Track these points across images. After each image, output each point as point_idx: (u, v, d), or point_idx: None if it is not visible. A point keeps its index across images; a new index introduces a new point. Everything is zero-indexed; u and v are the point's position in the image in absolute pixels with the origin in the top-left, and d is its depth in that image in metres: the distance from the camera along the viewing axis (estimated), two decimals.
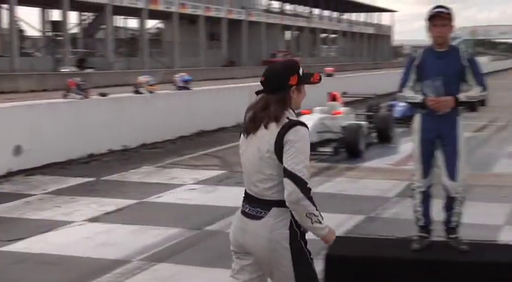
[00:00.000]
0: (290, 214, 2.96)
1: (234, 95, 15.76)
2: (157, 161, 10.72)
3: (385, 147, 12.29)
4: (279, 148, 2.92)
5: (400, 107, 15.02)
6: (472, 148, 9.84)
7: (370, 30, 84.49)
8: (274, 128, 2.95)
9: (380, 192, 8.23)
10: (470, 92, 4.87)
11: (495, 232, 6.26)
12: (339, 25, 77.14)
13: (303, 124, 2.96)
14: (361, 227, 6.65)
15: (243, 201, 3.09)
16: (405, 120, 14.23)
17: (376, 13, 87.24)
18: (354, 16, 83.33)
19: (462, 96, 4.83)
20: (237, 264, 3.14)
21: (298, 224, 2.96)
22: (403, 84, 4.96)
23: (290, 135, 2.91)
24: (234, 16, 55.20)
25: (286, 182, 2.88)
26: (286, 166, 2.89)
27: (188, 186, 8.67)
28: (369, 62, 70.86)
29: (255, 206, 3.01)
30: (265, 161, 2.97)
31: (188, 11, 49.73)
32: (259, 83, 3.05)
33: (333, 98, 12.55)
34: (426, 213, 5.02)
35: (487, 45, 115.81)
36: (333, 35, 78.06)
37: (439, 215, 5.06)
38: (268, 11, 65.67)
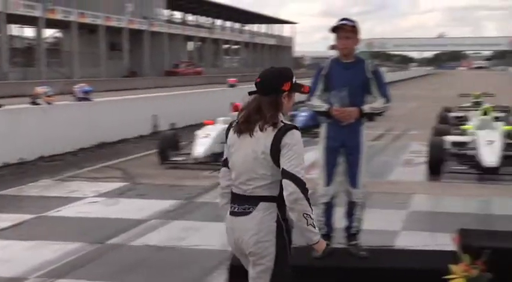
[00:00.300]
0: (277, 208, 3.05)
1: (136, 106, 15.49)
2: (56, 174, 10.40)
3: None
4: (275, 150, 3.03)
5: (301, 117, 15.31)
6: (369, 156, 10.15)
7: (272, 42, 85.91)
8: (270, 131, 3.06)
9: None
10: (375, 103, 5.03)
11: (392, 238, 6.49)
12: (241, 36, 77.96)
13: (297, 128, 3.11)
14: None
15: (231, 203, 3.17)
16: (307, 130, 14.57)
17: (278, 25, 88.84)
18: (255, 27, 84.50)
19: (366, 108, 4.99)
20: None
21: (284, 217, 3.06)
22: (311, 93, 5.05)
23: (287, 139, 3.04)
24: (136, 26, 54.58)
25: (287, 183, 2.98)
26: (285, 168, 2.99)
27: (89, 199, 8.45)
28: None
29: (243, 203, 3.10)
30: (260, 161, 3.07)
31: (87, 20, 48.71)
32: (254, 84, 3.16)
33: (236, 109, 12.62)
34: (328, 222, 5.12)
35: (382, 57, 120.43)
36: (235, 46, 78.80)
37: (341, 222, 5.20)
38: (170, 21, 65.40)
